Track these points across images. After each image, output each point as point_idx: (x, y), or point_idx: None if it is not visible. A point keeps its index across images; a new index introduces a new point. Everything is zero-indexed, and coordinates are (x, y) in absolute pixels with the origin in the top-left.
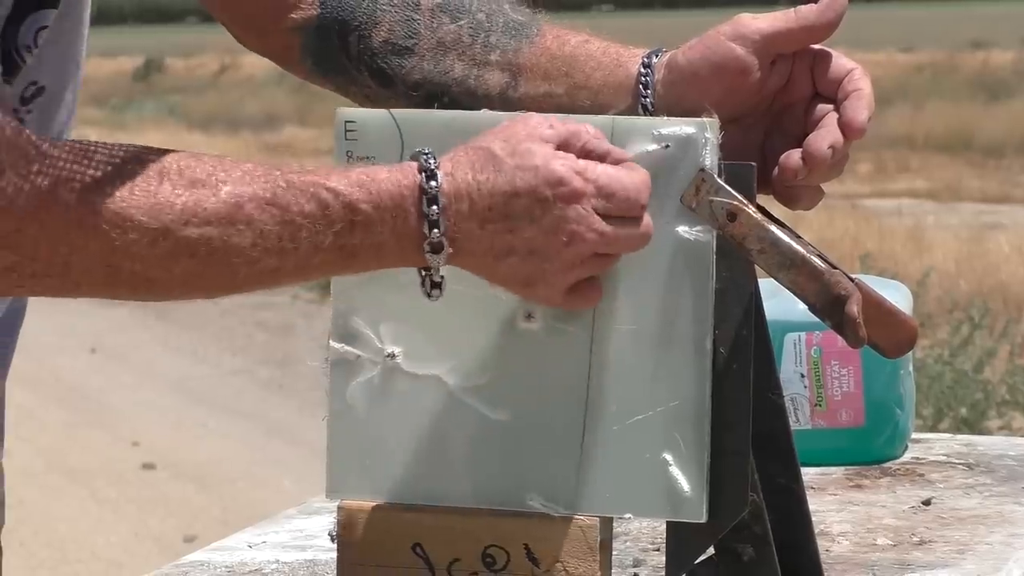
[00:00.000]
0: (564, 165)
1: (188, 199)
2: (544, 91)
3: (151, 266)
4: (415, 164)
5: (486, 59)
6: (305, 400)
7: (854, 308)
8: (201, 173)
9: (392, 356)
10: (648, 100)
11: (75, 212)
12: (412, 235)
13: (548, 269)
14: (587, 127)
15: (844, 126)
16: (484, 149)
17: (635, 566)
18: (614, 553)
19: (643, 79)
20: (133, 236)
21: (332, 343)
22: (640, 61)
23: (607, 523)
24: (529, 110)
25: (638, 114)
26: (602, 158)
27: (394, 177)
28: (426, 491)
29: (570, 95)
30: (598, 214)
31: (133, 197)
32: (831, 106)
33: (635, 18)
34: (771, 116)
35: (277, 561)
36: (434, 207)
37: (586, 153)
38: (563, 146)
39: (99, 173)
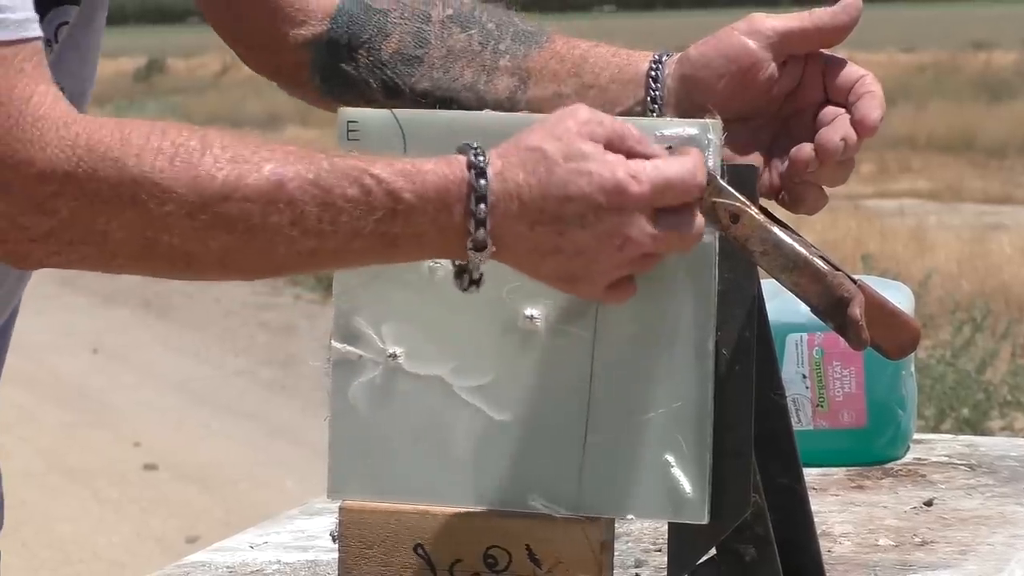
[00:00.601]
0: (619, 170)
1: (229, 174)
2: (553, 92)
3: (188, 240)
4: (463, 159)
5: (495, 64)
6: (308, 401)
7: (856, 311)
8: (244, 150)
9: (394, 356)
10: (658, 92)
11: (113, 181)
12: (456, 230)
13: (595, 269)
14: (631, 127)
15: (857, 123)
16: (537, 149)
17: (637, 567)
18: (616, 554)
19: (653, 72)
20: (171, 208)
21: (334, 343)
22: (651, 58)
23: (609, 524)
24: (537, 110)
25: (647, 107)
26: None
27: (440, 170)
28: (428, 492)
29: (579, 94)
30: (654, 211)
31: (174, 168)
32: (841, 110)
33: (637, 19)
34: (780, 120)
35: (279, 562)
36: (482, 206)
37: (631, 155)
38: (610, 145)
39: (139, 144)
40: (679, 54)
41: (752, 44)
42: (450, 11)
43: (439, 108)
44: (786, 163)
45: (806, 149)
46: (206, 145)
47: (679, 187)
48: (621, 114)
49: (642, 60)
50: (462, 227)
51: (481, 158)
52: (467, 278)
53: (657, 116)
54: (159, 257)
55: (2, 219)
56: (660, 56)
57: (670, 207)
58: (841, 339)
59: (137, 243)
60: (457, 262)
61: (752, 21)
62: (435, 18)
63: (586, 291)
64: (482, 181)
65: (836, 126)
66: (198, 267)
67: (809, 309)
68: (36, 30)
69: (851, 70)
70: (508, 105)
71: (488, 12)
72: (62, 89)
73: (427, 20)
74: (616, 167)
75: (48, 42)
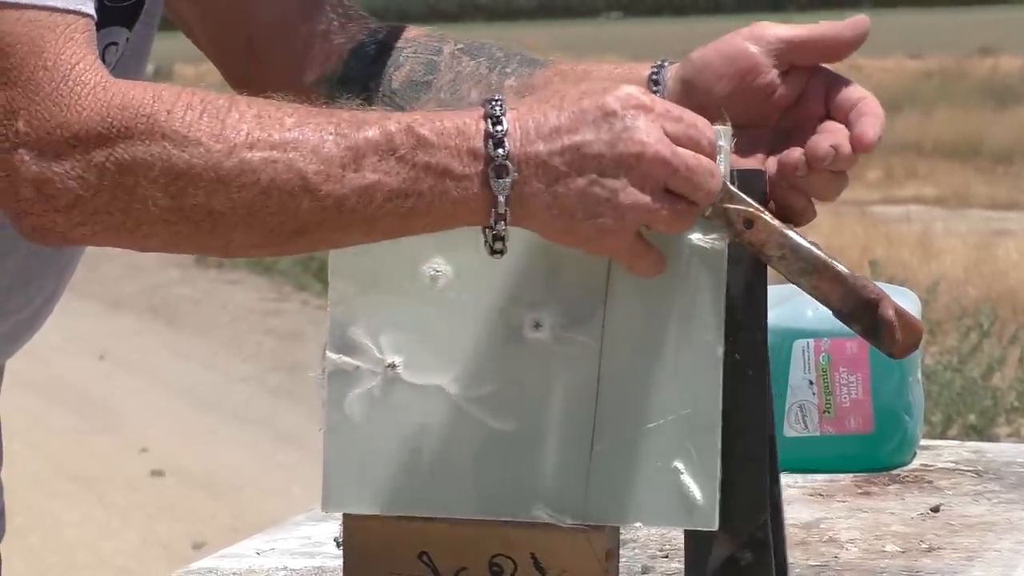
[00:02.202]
0: (632, 86)
1: (255, 126)
2: None
3: (214, 194)
4: (480, 107)
5: (501, 84)
6: (314, 407)
7: (890, 311)
8: (268, 107)
9: (393, 366)
10: (658, 93)
11: (144, 136)
12: (475, 155)
13: (618, 193)
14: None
15: (854, 139)
16: (556, 91)
17: (644, 573)
18: (622, 560)
19: (655, 76)
20: (199, 160)
21: (329, 354)
22: (653, 63)
23: (614, 532)
24: None
25: None
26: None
27: (459, 113)
28: (429, 503)
29: None
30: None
31: (201, 122)
32: (840, 125)
33: (644, 26)
34: (779, 132)
35: (285, 568)
36: (499, 127)
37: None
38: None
39: (171, 101)
40: (683, 60)
41: (753, 48)
42: (461, 45)
43: None
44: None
45: (795, 153)
46: (233, 103)
47: (689, 121)
48: None
49: (643, 68)
50: (482, 152)
51: (497, 97)
52: (491, 236)
53: None
54: (185, 220)
55: (29, 187)
56: (662, 62)
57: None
58: (848, 345)
59: (163, 205)
60: (485, 229)
61: (756, 27)
62: (446, 51)
63: (612, 231)
64: (497, 106)
65: (826, 135)
66: (224, 226)
67: (832, 313)
68: (90, 8)
69: (854, 90)
70: None
71: (497, 45)
72: None
73: (438, 52)
74: (632, 86)
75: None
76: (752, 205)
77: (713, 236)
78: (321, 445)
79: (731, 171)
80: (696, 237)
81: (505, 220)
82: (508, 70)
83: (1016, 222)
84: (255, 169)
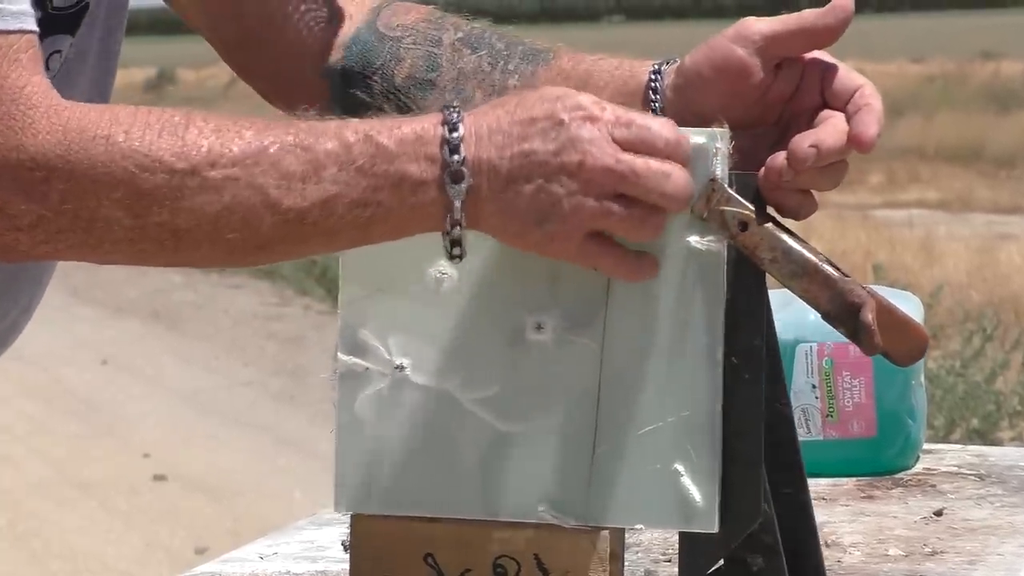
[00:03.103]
0: (585, 98)
1: (215, 141)
2: None
3: (178, 213)
4: (438, 113)
5: (505, 84)
6: (316, 411)
7: (869, 315)
8: (226, 122)
9: (401, 368)
10: (657, 105)
11: (104, 158)
12: (433, 160)
13: (563, 199)
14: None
15: (853, 139)
16: (514, 95)
17: None
18: (625, 564)
19: (653, 84)
20: (160, 179)
21: (340, 355)
22: (651, 68)
23: (618, 534)
24: None
25: None
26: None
27: (416, 120)
28: (435, 503)
29: None
30: (618, 144)
31: (161, 140)
32: (837, 113)
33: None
34: (780, 128)
35: (288, 572)
36: (455, 134)
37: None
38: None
39: (128, 121)
40: (679, 62)
41: (740, 51)
42: (460, 34)
43: None
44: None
45: (779, 159)
46: (190, 119)
47: (640, 124)
48: None
49: (643, 71)
50: (438, 158)
51: (455, 111)
52: (449, 241)
53: None
54: (148, 239)
55: None
56: (659, 67)
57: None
58: (851, 349)
59: (127, 225)
60: (444, 235)
61: (740, 27)
62: (446, 42)
63: (560, 237)
64: (454, 113)
65: (808, 134)
66: (187, 245)
67: (820, 316)
68: (33, 24)
69: (850, 78)
70: None
71: (497, 33)
72: None
73: (438, 44)
74: (584, 96)
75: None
76: (747, 208)
77: (710, 239)
78: (323, 448)
79: (729, 174)
80: (694, 240)
81: (461, 225)
82: (510, 67)
83: (1019, 226)
84: (217, 187)
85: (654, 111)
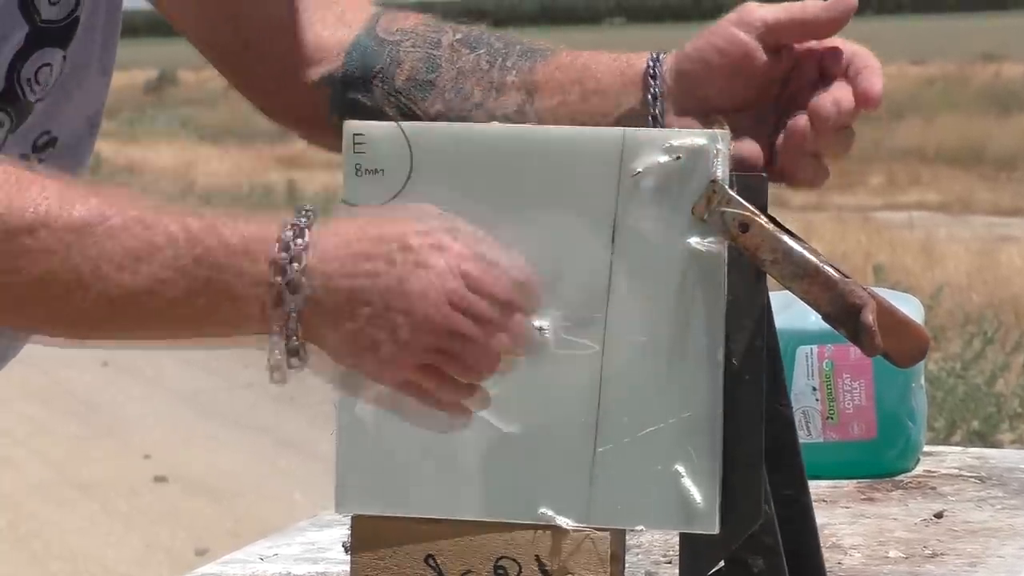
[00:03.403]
0: (441, 222)
1: (53, 204)
2: (558, 101)
3: (4, 268)
4: (287, 217)
5: (503, 81)
6: (317, 413)
7: (869, 317)
8: (76, 187)
9: None
10: (657, 89)
11: None
12: (276, 266)
13: (396, 331)
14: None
15: (860, 96)
16: (363, 216)
17: None
18: (626, 566)
19: (652, 70)
20: None
21: None
22: (650, 55)
23: (619, 535)
24: (545, 122)
25: (649, 105)
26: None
27: (265, 221)
28: (436, 504)
29: (583, 99)
30: (464, 277)
31: None
32: (839, 81)
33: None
34: (781, 104)
35: (289, 574)
36: (300, 240)
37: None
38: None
39: None
40: (676, 52)
41: (743, 35)
42: (459, 35)
43: None
44: (782, 139)
45: (802, 120)
46: (35, 180)
47: (492, 269)
48: (625, 115)
49: (641, 60)
50: (279, 265)
51: (306, 216)
52: (286, 346)
53: (659, 112)
54: None
55: None
56: (658, 54)
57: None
58: (851, 351)
59: None
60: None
61: (743, 12)
62: (444, 43)
63: (388, 375)
64: (303, 221)
65: (829, 92)
66: (6, 300)
67: (821, 317)
68: None
69: (847, 46)
70: (517, 119)
71: (496, 34)
72: (55, 139)
73: (437, 45)
74: (439, 222)
75: (28, 82)
76: (748, 209)
77: (711, 240)
78: (323, 450)
79: (731, 175)
80: (695, 241)
81: (297, 335)
82: (508, 63)
83: (1019, 228)
84: (48, 249)
85: (653, 96)
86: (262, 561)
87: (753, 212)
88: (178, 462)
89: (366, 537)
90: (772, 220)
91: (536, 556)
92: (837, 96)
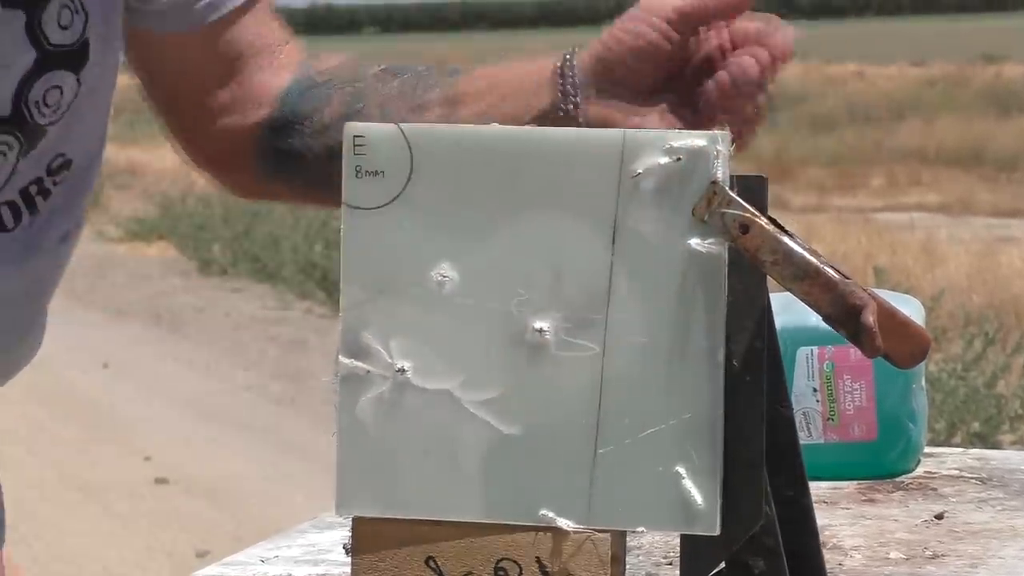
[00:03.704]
0: None
1: None
2: (477, 109)
3: None
4: None
5: (427, 99)
6: (318, 415)
7: (870, 318)
8: None
9: (402, 371)
10: (569, 83)
11: None
12: None
13: None
14: None
15: (773, 48)
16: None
17: None
18: (627, 567)
19: (560, 69)
20: None
21: (341, 358)
22: (564, 54)
23: (620, 537)
24: None
25: (560, 103)
26: None
27: None
28: (437, 506)
29: (500, 104)
30: None
31: None
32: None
33: None
34: (701, 75)
35: (290, 575)
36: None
37: None
38: None
39: None
40: (596, 40)
41: (652, 31)
42: (383, 66)
43: None
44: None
45: (710, 84)
46: None
47: None
48: (538, 116)
49: (554, 57)
50: None
51: None
52: None
53: (569, 108)
54: None
55: None
56: (572, 50)
57: None
58: (852, 352)
59: None
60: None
61: (650, 2)
62: (369, 74)
63: None
64: None
65: (735, 56)
66: None
67: (821, 318)
68: None
69: (757, 15)
70: None
71: (421, 64)
72: (70, 161)
73: (363, 78)
74: None
75: (36, 104)
76: (749, 210)
77: (711, 241)
78: (324, 452)
79: (731, 177)
80: (695, 243)
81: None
82: (431, 82)
83: (1020, 229)
84: None
85: (563, 92)
86: (263, 563)
87: (753, 213)
88: (179, 464)
89: (367, 539)
90: (772, 221)
91: (537, 558)
92: (741, 61)
